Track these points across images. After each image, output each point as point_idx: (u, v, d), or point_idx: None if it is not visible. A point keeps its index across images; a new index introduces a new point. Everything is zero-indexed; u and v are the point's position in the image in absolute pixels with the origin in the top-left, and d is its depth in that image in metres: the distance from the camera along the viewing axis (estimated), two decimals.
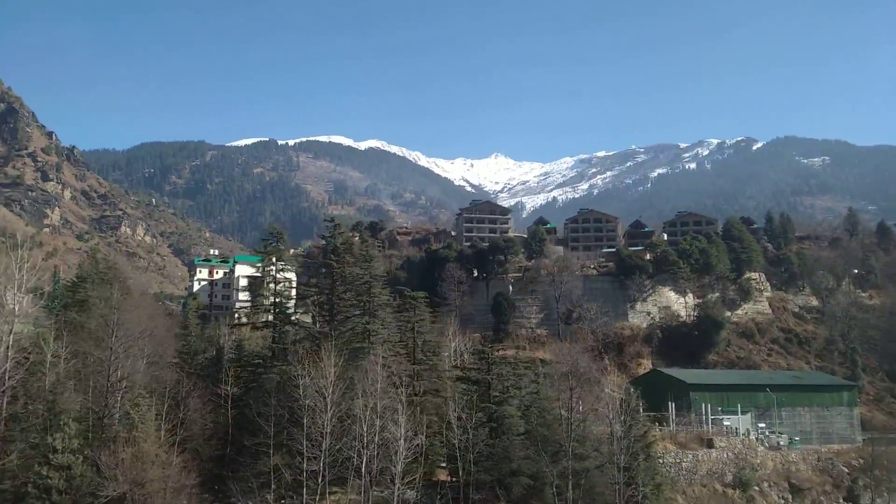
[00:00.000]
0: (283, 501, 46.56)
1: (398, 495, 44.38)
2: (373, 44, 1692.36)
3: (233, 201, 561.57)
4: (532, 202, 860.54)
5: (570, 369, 58.95)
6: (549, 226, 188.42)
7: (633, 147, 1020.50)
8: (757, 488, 65.60)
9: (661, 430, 69.75)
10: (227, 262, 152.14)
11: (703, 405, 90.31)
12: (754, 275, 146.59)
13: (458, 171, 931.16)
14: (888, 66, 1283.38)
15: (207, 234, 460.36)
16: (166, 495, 38.48)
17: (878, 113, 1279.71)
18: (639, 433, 56.22)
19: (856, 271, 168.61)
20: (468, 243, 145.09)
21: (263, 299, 65.43)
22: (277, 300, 65.22)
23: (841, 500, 77.87)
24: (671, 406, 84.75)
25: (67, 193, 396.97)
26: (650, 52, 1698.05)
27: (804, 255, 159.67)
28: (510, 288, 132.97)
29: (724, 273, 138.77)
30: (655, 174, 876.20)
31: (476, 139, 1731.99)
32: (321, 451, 44.71)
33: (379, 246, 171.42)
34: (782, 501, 67.25)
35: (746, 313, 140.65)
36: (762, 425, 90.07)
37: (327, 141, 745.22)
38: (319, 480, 45.09)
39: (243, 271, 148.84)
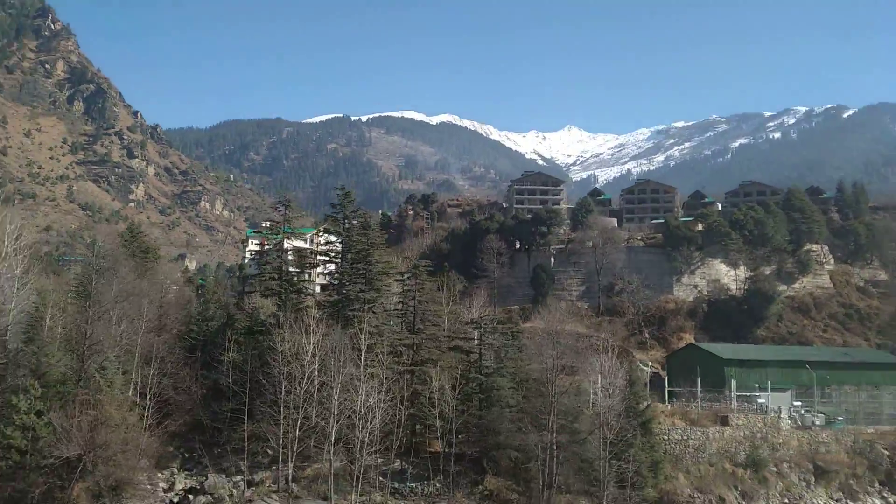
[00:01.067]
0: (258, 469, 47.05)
1: (359, 465, 43.95)
2: (446, 19, 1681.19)
3: (307, 177, 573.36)
4: (605, 175, 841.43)
5: (553, 338, 56.53)
6: (603, 197, 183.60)
7: (714, 116, 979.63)
8: (774, 469, 61.80)
9: (671, 405, 66.78)
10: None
11: (735, 381, 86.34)
12: (815, 247, 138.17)
13: (531, 144, 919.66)
14: None
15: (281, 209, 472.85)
16: (126, 458, 39.28)
17: None
18: (639, 408, 53.88)
19: None
20: (512, 214, 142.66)
21: (269, 266, 65.74)
22: (284, 267, 65.46)
23: (876, 484, 72.77)
24: (697, 381, 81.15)
25: (151, 170, 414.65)
26: (734, 11, 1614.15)
27: (873, 226, 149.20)
28: (552, 260, 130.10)
29: (781, 245, 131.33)
30: (737, 144, 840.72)
31: (549, 111, 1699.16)
32: (295, 419, 44.82)
33: (427, 218, 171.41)
34: (803, 483, 63.24)
35: (804, 287, 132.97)
36: (797, 403, 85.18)
37: (399, 116, 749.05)
38: (295, 448, 45.28)
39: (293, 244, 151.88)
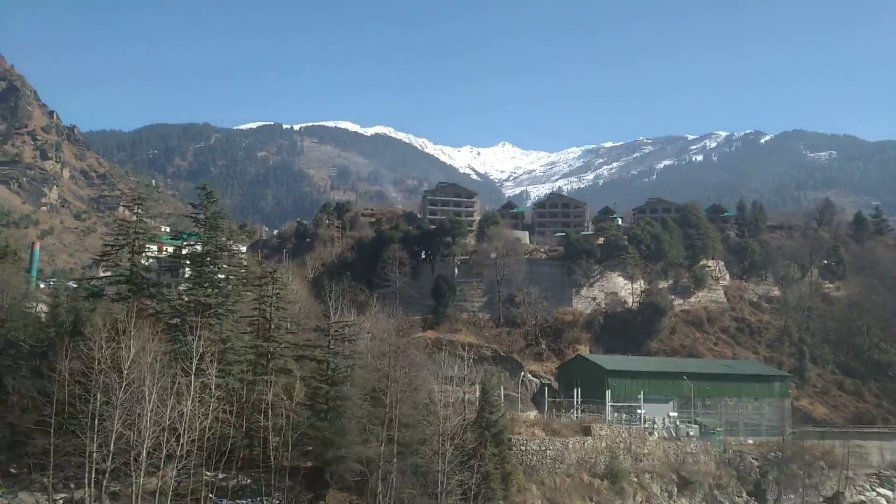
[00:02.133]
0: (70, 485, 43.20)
1: (171, 480, 40.83)
2: (384, 32, 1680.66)
3: (235, 185, 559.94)
4: (537, 191, 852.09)
5: (389, 348, 54.55)
6: (516, 210, 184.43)
7: (641, 138, 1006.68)
8: (635, 479, 61.29)
9: (531, 415, 65.77)
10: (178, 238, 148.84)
11: (617, 391, 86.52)
12: (711, 262, 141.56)
13: (465, 158, 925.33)
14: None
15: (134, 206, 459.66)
16: None
17: (887, 107, 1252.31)
18: (492, 418, 52.35)
19: (825, 262, 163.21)
20: (416, 224, 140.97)
21: (120, 269, 61.47)
22: (135, 269, 61.35)
23: (744, 494, 73.52)
24: (577, 392, 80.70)
25: (66, 173, 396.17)
26: (661, 46, 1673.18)
27: (767, 245, 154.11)
28: (456, 271, 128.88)
29: (676, 260, 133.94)
30: (662, 165, 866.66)
31: (484, 127, 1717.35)
32: (108, 433, 41.28)
33: (339, 227, 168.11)
34: (665, 494, 63.01)
35: (699, 301, 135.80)
36: (673, 414, 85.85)
37: (333, 126, 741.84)
38: (109, 464, 41.74)
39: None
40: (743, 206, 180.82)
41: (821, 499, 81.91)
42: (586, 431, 61.83)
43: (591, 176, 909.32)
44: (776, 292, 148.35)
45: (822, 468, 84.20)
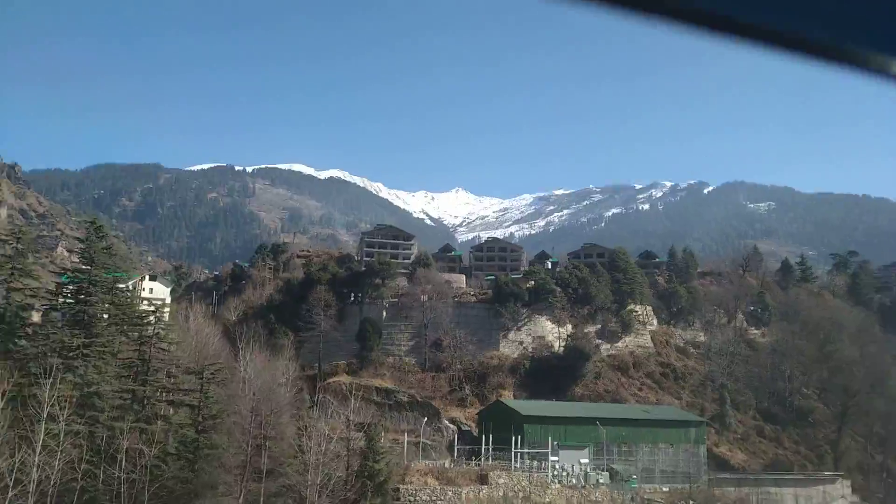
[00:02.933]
0: None
1: None
2: (338, 75, 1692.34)
3: (183, 226, 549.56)
4: (489, 236, 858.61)
5: (253, 393, 52.05)
6: (454, 253, 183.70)
7: (591, 186, 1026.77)
8: None
9: (427, 463, 63.39)
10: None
11: (531, 437, 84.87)
12: (638, 307, 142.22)
13: (419, 203, 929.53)
14: (830, 116, 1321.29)
15: (150, 258, 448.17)
16: None
17: (822, 161, 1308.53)
18: (376, 467, 49.90)
19: (751, 308, 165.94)
20: (346, 266, 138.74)
21: None
22: (8, 306, 57.67)
23: None
24: (485, 438, 78.65)
25: (3, 212, 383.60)
26: (613, 101, 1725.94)
27: (695, 290, 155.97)
28: (384, 314, 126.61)
29: (604, 304, 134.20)
30: (610, 214, 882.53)
31: (438, 173, 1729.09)
32: None
33: (272, 268, 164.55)
34: None
35: (626, 346, 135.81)
36: (585, 461, 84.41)
37: (287, 168, 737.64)
38: None
39: None
40: (674, 253, 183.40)
41: None
42: (483, 480, 59.68)
43: (542, 222, 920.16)
44: (702, 338, 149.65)
45: None
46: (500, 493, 59.45)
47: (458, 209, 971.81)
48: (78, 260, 65.55)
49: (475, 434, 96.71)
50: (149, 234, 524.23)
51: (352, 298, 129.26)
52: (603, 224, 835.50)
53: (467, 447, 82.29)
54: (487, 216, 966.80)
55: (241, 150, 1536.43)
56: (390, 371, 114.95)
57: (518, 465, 76.02)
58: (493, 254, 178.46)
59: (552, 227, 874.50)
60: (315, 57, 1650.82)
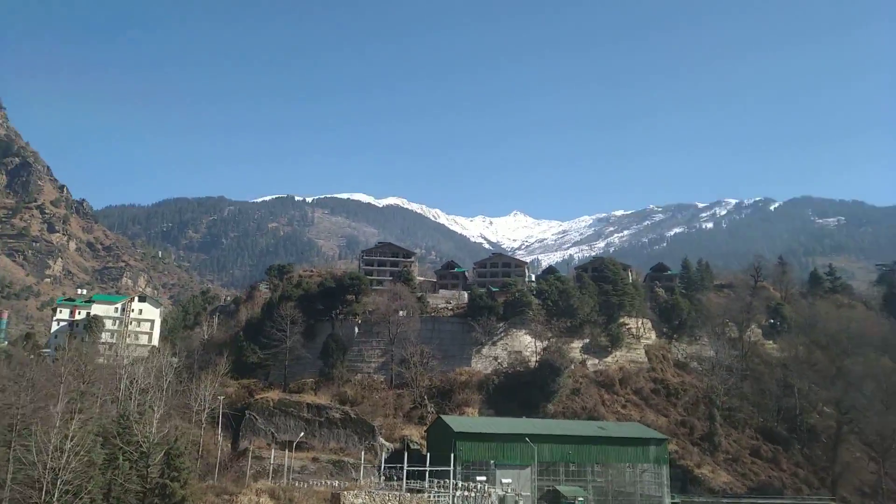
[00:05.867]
0: None
1: None
2: (399, 104, 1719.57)
3: (246, 255, 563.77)
4: (548, 259, 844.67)
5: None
6: (457, 270, 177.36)
7: (652, 206, 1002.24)
8: None
9: (267, 483, 57.09)
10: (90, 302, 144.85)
11: (466, 456, 77.72)
12: (630, 320, 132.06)
13: (477, 228, 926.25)
14: None
15: (211, 286, 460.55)
16: None
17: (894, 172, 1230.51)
18: (173, 486, 44.48)
19: (770, 321, 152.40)
20: (318, 283, 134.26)
21: None
22: None
23: None
24: (404, 457, 71.87)
25: (73, 245, 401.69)
26: (671, 113, 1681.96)
27: (700, 303, 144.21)
28: (356, 330, 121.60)
29: (590, 317, 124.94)
30: (672, 233, 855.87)
31: (496, 197, 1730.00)
32: None
33: (271, 288, 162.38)
34: None
35: (616, 361, 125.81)
36: (507, 480, 76.22)
37: (346, 198, 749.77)
38: None
39: (103, 311, 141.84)
40: (688, 265, 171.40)
41: None
42: (335, 501, 53.23)
43: (602, 244, 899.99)
44: (710, 352, 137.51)
45: None
46: None
47: (517, 233, 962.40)
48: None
49: (423, 453, 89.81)
50: (213, 263, 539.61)
51: (328, 315, 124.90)
52: (665, 244, 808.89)
53: (408, 468, 75.46)
54: (546, 238, 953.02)
55: (303, 181, 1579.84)
56: (355, 388, 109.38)
57: (440, 487, 69.09)
58: (496, 269, 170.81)
59: (612, 249, 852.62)
60: (375, 86, 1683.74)
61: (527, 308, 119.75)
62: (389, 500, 55.94)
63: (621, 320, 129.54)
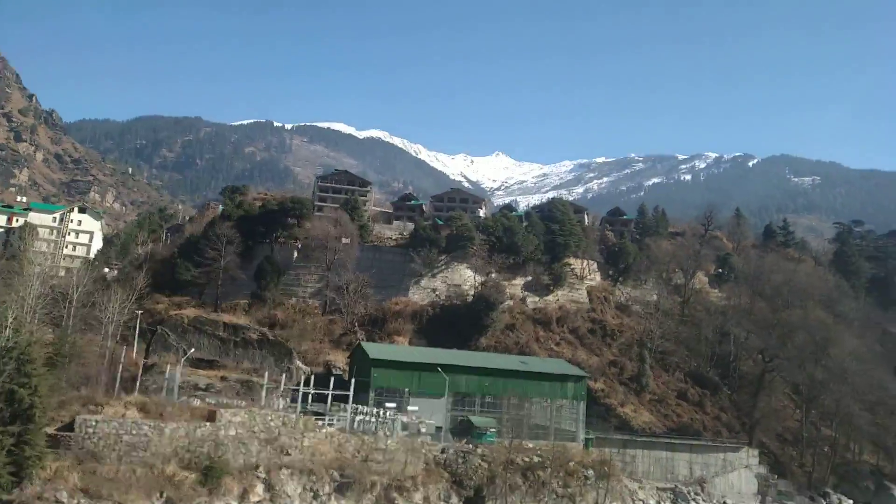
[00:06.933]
0: None
1: None
2: (387, 41, 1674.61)
3: (220, 178, 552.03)
4: (527, 201, 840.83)
5: None
6: (413, 202, 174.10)
7: (633, 155, 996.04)
8: (262, 475, 50.45)
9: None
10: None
11: (382, 383, 76.78)
12: (576, 261, 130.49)
13: (458, 166, 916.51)
14: (884, 90, 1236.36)
15: (180, 206, 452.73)
16: None
17: (872, 138, 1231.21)
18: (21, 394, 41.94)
19: (719, 270, 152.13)
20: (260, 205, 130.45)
21: None
22: None
23: (454, 499, 62.67)
24: (304, 381, 70.05)
25: (40, 155, 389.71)
26: (659, 70, 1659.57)
27: (648, 248, 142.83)
28: (294, 254, 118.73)
29: (533, 255, 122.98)
30: (650, 183, 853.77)
31: (480, 137, 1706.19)
32: None
33: (215, 207, 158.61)
34: (308, 493, 52.14)
35: (557, 300, 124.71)
36: (413, 408, 75.24)
37: (326, 127, 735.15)
38: None
39: (39, 220, 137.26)
40: (644, 211, 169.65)
41: None
42: (210, 417, 51.28)
43: (580, 189, 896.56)
44: (654, 297, 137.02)
45: (585, 478, 73.00)
46: (232, 433, 51.00)
47: (498, 173, 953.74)
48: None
49: (345, 378, 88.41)
50: (187, 184, 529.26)
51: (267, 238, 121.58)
52: (643, 193, 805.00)
53: (327, 392, 73.70)
54: (526, 181, 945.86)
55: (284, 109, 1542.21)
56: (287, 312, 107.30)
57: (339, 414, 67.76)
58: (453, 204, 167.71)
59: (591, 195, 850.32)
60: (363, 23, 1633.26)
61: (469, 242, 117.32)
62: (272, 419, 53.94)
63: (566, 261, 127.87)
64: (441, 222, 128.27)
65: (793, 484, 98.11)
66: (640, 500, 79.35)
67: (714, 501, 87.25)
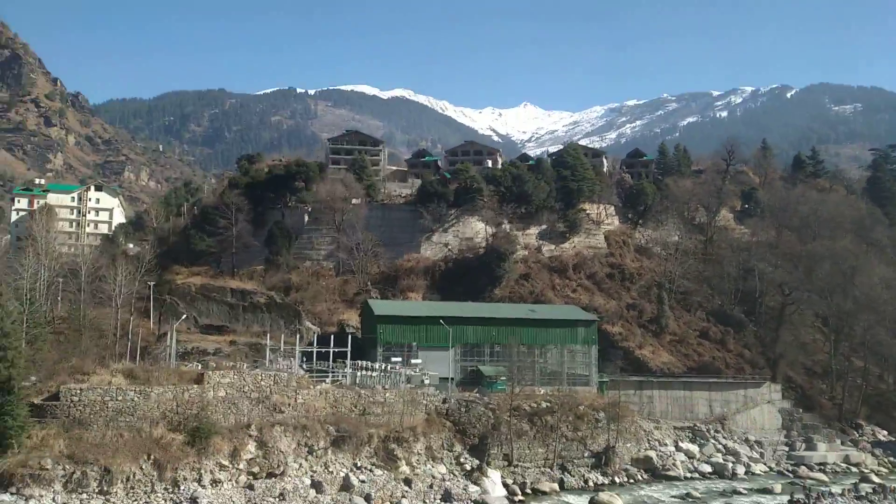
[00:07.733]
0: None
1: None
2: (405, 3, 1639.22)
3: (249, 149, 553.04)
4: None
5: None
6: (427, 158, 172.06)
7: (665, 95, 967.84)
8: (254, 433, 50.67)
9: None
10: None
11: (388, 339, 76.92)
12: (591, 206, 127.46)
13: (486, 120, 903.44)
14: None
15: (213, 180, 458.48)
16: None
17: None
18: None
19: (745, 206, 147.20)
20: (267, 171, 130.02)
21: None
22: None
23: (457, 449, 62.53)
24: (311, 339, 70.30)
25: (71, 139, 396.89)
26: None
27: (668, 188, 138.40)
28: (306, 218, 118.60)
29: (546, 203, 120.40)
30: (685, 123, 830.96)
31: (506, 88, 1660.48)
32: None
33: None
34: (303, 449, 52.29)
35: (574, 247, 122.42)
36: (417, 361, 74.93)
37: (349, 90, 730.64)
38: None
39: (58, 200, 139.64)
40: (664, 151, 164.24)
41: (587, 453, 70.22)
42: (198, 380, 51.57)
43: (613, 135, 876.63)
44: (676, 238, 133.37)
45: (596, 420, 72.11)
46: (221, 394, 51.28)
47: (527, 125, 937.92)
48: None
49: (359, 337, 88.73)
50: (218, 157, 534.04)
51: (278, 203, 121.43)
52: (678, 134, 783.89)
53: (317, 349, 74.24)
54: (556, 130, 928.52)
55: (306, 75, 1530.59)
56: (301, 275, 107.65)
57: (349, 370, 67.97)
58: (467, 157, 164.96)
59: (624, 139, 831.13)
60: None
61: (477, 194, 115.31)
62: (263, 379, 54.11)
63: (581, 206, 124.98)
64: (449, 176, 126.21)
65: (820, 417, 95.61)
66: (657, 439, 78.26)
67: (735, 438, 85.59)
